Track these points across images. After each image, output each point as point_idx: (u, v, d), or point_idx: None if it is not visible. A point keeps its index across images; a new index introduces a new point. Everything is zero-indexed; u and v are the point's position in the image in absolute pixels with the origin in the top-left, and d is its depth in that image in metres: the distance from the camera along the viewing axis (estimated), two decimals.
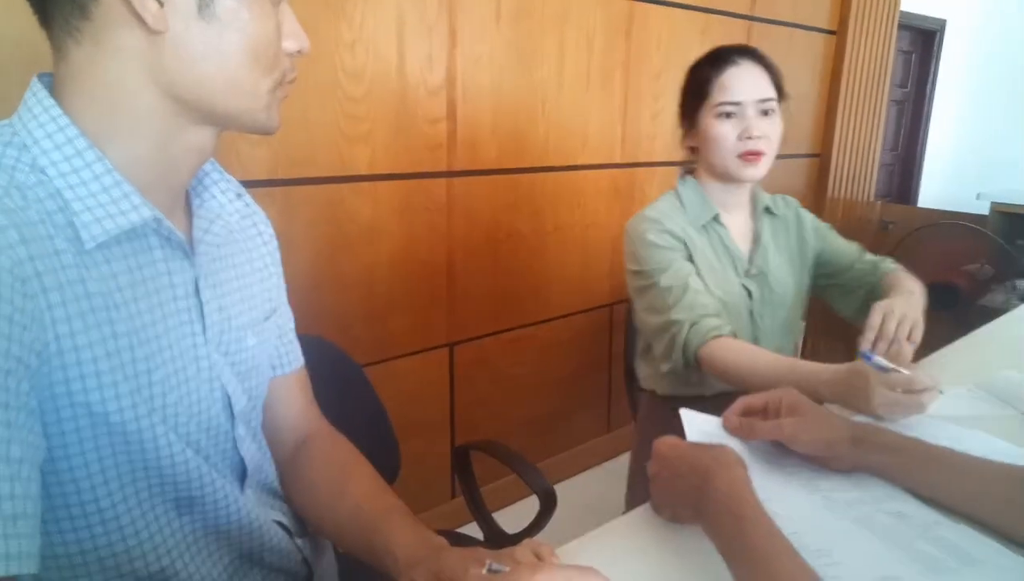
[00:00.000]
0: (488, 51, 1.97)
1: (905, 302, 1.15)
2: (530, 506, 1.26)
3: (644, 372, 1.55)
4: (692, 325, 1.24)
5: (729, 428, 0.92)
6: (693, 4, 2.53)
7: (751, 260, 1.41)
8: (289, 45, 0.66)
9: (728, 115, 1.30)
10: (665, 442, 0.78)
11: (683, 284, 1.28)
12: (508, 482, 2.02)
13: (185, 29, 0.59)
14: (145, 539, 0.66)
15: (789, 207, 1.49)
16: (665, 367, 1.31)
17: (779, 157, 1.45)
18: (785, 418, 0.87)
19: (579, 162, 2.30)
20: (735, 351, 1.20)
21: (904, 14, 3.79)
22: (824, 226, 1.50)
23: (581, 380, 2.54)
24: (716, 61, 1.33)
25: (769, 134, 1.30)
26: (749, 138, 1.29)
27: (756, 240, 1.43)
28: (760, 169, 1.32)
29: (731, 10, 2.67)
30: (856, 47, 3.29)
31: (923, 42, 4.75)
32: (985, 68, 5.03)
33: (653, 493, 0.78)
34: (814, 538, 0.72)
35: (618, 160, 2.43)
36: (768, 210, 1.45)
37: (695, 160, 1.43)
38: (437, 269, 2.00)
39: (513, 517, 1.34)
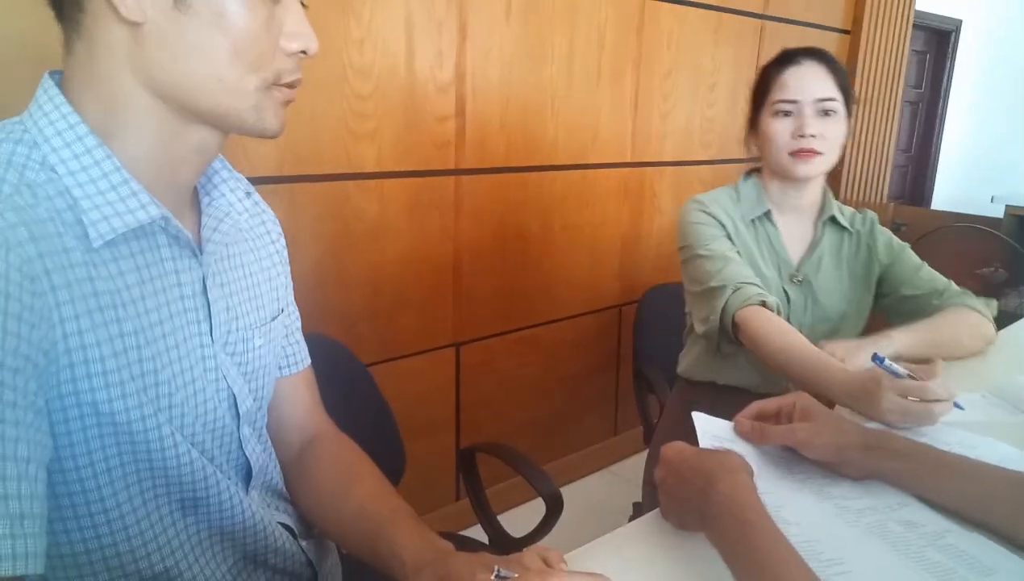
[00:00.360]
0: (498, 47, 1.96)
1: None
2: (535, 509, 1.26)
3: (681, 355, 1.58)
4: (735, 290, 1.24)
5: (741, 432, 0.90)
6: (705, 2, 2.51)
7: (799, 266, 1.39)
8: (290, 44, 0.63)
9: (785, 113, 1.31)
10: (671, 447, 0.77)
11: (724, 255, 1.30)
12: (513, 484, 2.00)
13: (166, 22, 0.57)
14: (150, 539, 0.66)
15: (864, 223, 1.45)
16: (701, 329, 1.32)
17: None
18: (797, 423, 0.85)
19: (588, 161, 2.29)
20: (772, 322, 1.20)
21: (919, 13, 3.76)
22: (900, 244, 1.45)
23: (588, 382, 2.53)
24: (780, 61, 1.35)
25: (826, 134, 1.29)
26: (802, 136, 1.29)
27: (811, 248, 1.41)
28: (813, 167, 1.31)
29: (744, 8, 2.65)
30: (870, 47, 3.26)
31: (938, 42, 4.71)
32: (1001, 69, 4.98)
33: (660, 499, 0.77)
34: (826, 546, 0.71)
35: (628, 159, 2.41)
36: (834, 221, 1.42)
37: (760, 160, 1.43)
38: (444, 268, 1.99)
39: (518, 520, 1.33)
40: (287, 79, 0.64)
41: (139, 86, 0.60)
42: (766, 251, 1.39)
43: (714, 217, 1.36)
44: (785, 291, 1.38)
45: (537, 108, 2.10)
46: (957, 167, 5.01)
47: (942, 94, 4.79)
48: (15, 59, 1.24)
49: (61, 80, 0.62)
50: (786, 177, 1.36)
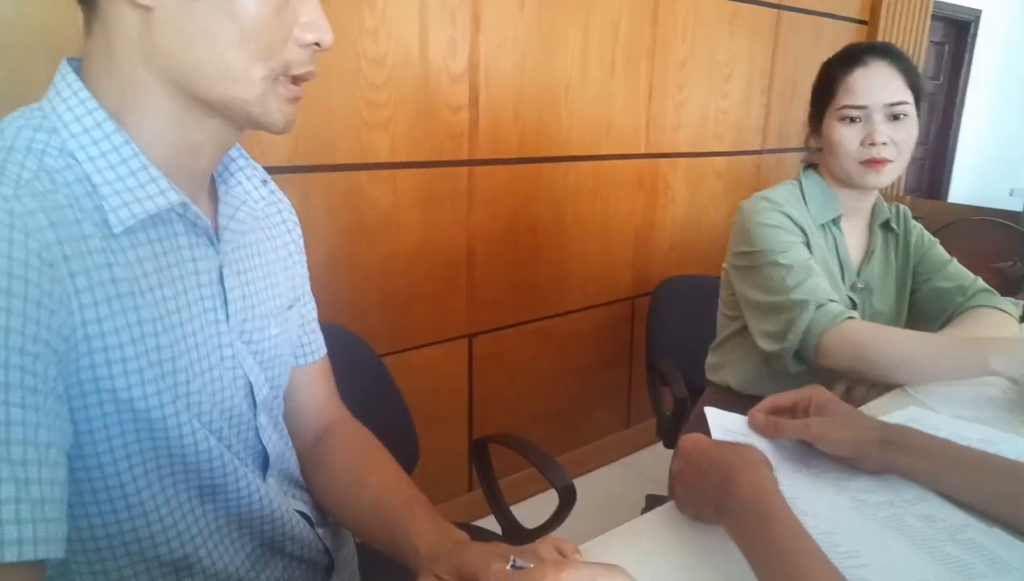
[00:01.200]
0: (511, 37, 1.95)
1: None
2: (548, 500, 1.25)
3: (716, 362, 1.49)
4: (819, 306, 1.16)
5: (755, 426, 0.90)
6: None
7: (859, 273, 1.35)
8: (305, 35, 0.62)
9: (852, 119, 1.24)
10: (690, 439, 0.77)
11: (806, 266, 1.21)
12: (526, 475, 2.01)
13: (176, 7, 0.57)
14: (169, 525, 0.66)
15: (899, 218, 1.41)
16: (771, 347, 1.22)
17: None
18: (813, 417, 0.84)
19: (602, 152, 2.28)
20: (880, 331, 1.14)
21: (937, 4, 3.71)
22: (930, 238, 1.41)
23: (601, 374, 2.52)
24: (845, 61, 1.26)
25: (897, 140, 1.23)
26: (872, 145, 1.22)
27: (868, 253, 1.37)
28: (884, 177, 1.25)
29: None
30: (887, 38, 3.21)
31: (956, 33, 4.65)
32: (1021, 60, 4.91)
33: (676, 490, 0.77)
34: (843, 539, 0.71)
35: (642, 150, 2.40)
36: (887, 224, 1.38)
37: (814, 151, 1.36)
38: (456, 259, 1.99)
39: (531, 511, 1.32)
40: (297, 71, 0.63)
41: (151, 73, 0.60)
42: (832, 258, 1.32)
43: (793, 220, 1.27)
44: (851, 299, 1.32)
45: (551, 98, 2.09)
46: (975, 160, 4.95)
47: (960, 86, 4.73)
48: (34, 47, 1.24)
49: (79, 66, 0.62)
50: (853, 186, 1.29)
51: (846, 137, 1.25)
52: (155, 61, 0.59)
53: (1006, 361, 1.02)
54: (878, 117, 1.23)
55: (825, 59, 1.31)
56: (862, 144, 1.24)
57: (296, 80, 0.64)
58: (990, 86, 4.85)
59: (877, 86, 1.22)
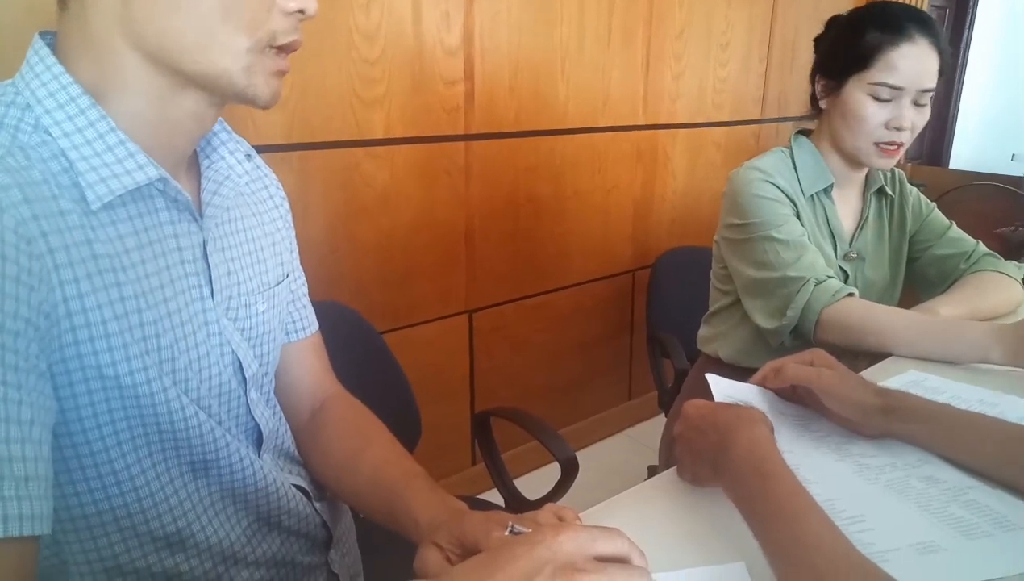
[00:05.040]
0: (506, 8, 1.92)
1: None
2: (550, 473, 1.26)
3: (708, 334, 1.47)
4: (818, 283, 1.14)
5: (756, 379, 0.90)
6: None
7: (851, 242, 1.33)
8: (288, 3, 0.60)
9: (884, 99, 1.16)
10: (691, 403, 0.77)
11: (800, 242, 1.18)
12: (528, 449, 2.01)
13: None
14: (161, 500, 0.66)
15: (896, 183, 1.37)
16: (769, 324, 1.21)
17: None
18: (824, 368, 0.84)
19: (600, 124, 2.25)
20: (876, 310, 1.12)
21: None
22: (928, 204, 1.37)
23: (602, 347, 2.52)
24: (891, 28, 1.15)
25: (917, 124, 1.18)
26: (897, 129, 1.17)
27: (861, 221, 1.33)
28: (894, 162, 1.21)
29: None
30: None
31: None
32: (1023, 26, 4.84)
33: (677, 453, 0.77)
34: (847, 504, 0.70)
35: (640, 122, 2.37)
36: (881, 190, 1.35)
37: (813, 117, 1.31)
38: (455, 235, 1.98)
39: (533, 484, 1.33)
40: (283, 40, 0.61)
41: (130, 47, 0.58)
42: (823, 228, 1.29)
43: (782, 190, 1.23)
44: (842, 269, 1.30)
45: (547, 70, 2.06)
46: (977, 125, 4.90)
47: (962, 51, 4.67)
48: (14, 21, 1.23)
49: (54, 42, 0.61)
50: (858, 162, 1.25)
51: (874, 114, 1.17)
52: (133, 34, 0.57)
53: (1004, 350, 1.02)
54: (907, 101, 1.17)
55: (838, 12, 1.24)
56: (887, 126, 1.17)
57: (282, 50, 0.63)
58: (992, 51, 4.79)
59: (919, 69, 1.14)
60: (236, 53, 0.59)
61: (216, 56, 0.59)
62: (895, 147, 1.19)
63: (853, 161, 1.27)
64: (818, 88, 1.27)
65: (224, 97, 0.63)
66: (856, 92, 1.19)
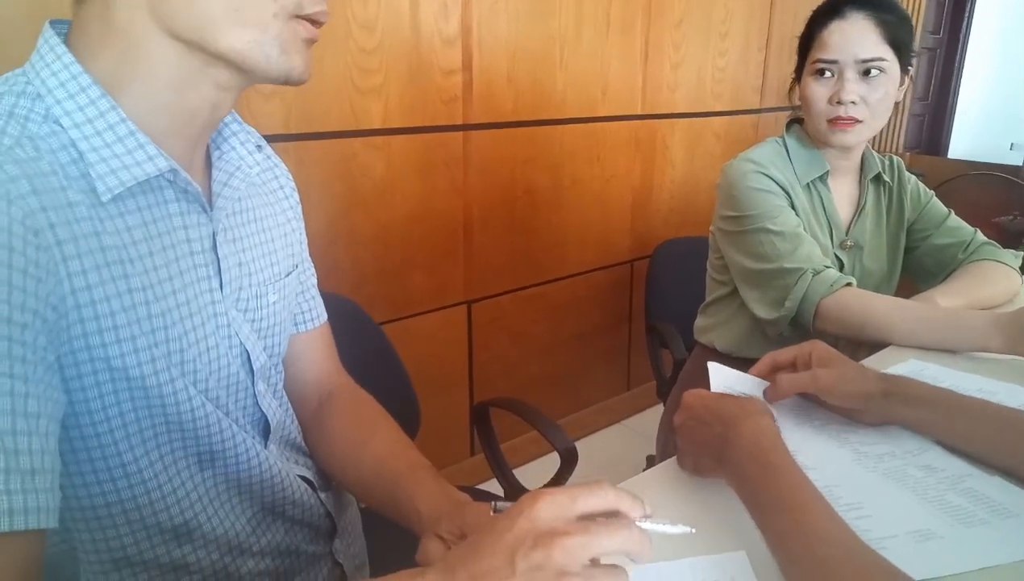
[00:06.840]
0: None
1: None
2: (549, 463, 1.26)
3: (705, 324, 1.48)
4: (816, 274, 1.15)
5: (756, 373, 0.89)
6: None
7: (848, 230, 1.33)
8: None
9: (822, 73, 1.20)
10: (693, 393, 0.77)
11: (796, 233, 1.19)
12: (527, 439, 2.02)
13: None
14: (168, 492, 0.66)
15: (893, 170, 1.38)
16: (768, 315, 1.21)
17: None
18: (819, 369, 0.84)
19: (598, 114, 2.25)
20: (877, 300, 1.13)
21: None
22: (927, 192, 1.37)
23: (601, 337, 2.52)
24: (824, 12, 1.22)
25: (868, 98, 1.19)
26: (840, 103, 1.19)
27: (859, 210, 1.33)
28: (852, 137, 1.22)
29: None
30: None
31: None
32: (1022, 14, 4.83)
33: (679, 444, 0.77)
34: (845, 492, 0.71)
35: (639, 111, 2.37)
36: (878, 178, 1.35)
37: (799, 108, 1.33)
38: (453, 226, 1.97)
39: (533, 474, 1.34)
40: (309, 9, 0.61)
41: (159, 32, 0.58)
42: (820, 217, 1.29)
43: (777, 183, 1.24)
44: (838, 258, 1.31)
45: (545, 60, 2.05)
46: (976, 115, 4.90)
47: (961, 40, 4.66)
48: (23, 11, 1.22)
49: (68, 30, 0.60)
50: (826, 143, 1.27)
51: (816, 93, 1.22)
52: (164, 17, 0.57)
53: (1003, 338, 1.02)
54: (849, 74, 1.18)
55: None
56: (830, 101, 1.20)
57: (309, 20, 0.62)
58: (991, 40, 4.78)
59: (851, 40, 1.18)
60: (265, 22, 0.58)
61: (245, 28, 0.58)
62: (848, 121, 1.20)
63: (822, 145, 1.29)
64: (793, 84, 1.33)
65: (254, 73, 0.61)
66: (805, 78, 1.25)
